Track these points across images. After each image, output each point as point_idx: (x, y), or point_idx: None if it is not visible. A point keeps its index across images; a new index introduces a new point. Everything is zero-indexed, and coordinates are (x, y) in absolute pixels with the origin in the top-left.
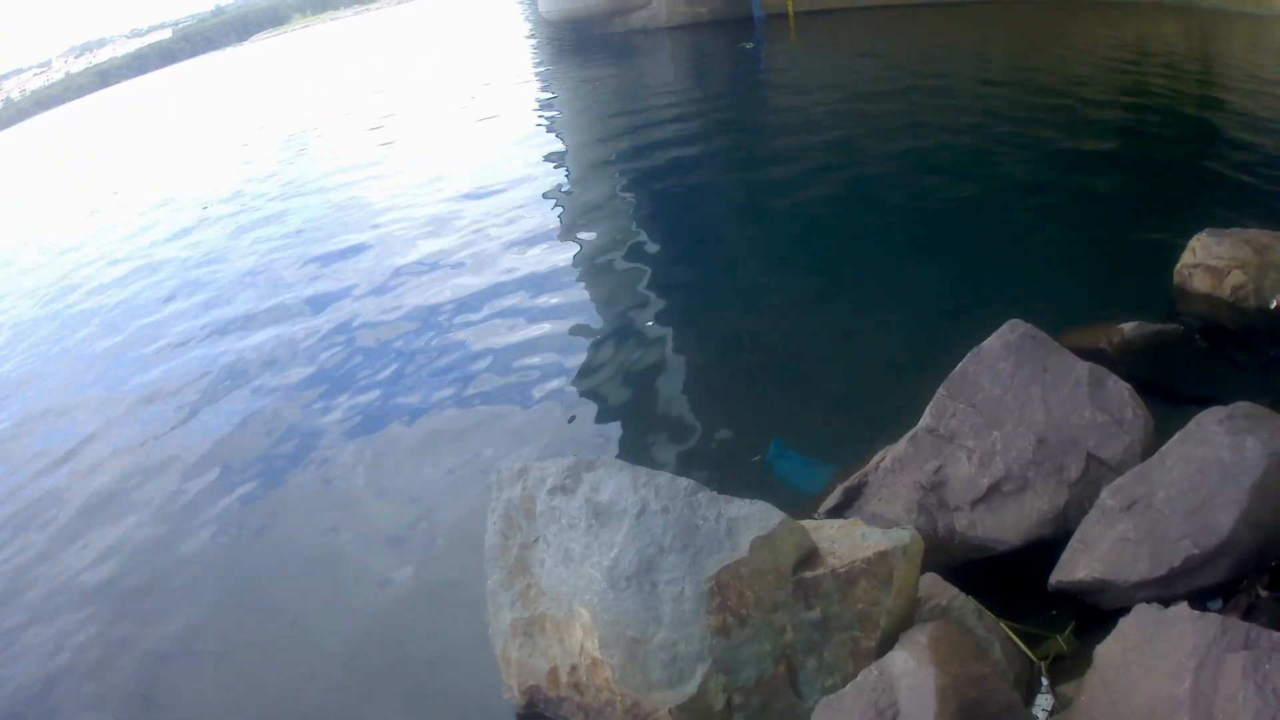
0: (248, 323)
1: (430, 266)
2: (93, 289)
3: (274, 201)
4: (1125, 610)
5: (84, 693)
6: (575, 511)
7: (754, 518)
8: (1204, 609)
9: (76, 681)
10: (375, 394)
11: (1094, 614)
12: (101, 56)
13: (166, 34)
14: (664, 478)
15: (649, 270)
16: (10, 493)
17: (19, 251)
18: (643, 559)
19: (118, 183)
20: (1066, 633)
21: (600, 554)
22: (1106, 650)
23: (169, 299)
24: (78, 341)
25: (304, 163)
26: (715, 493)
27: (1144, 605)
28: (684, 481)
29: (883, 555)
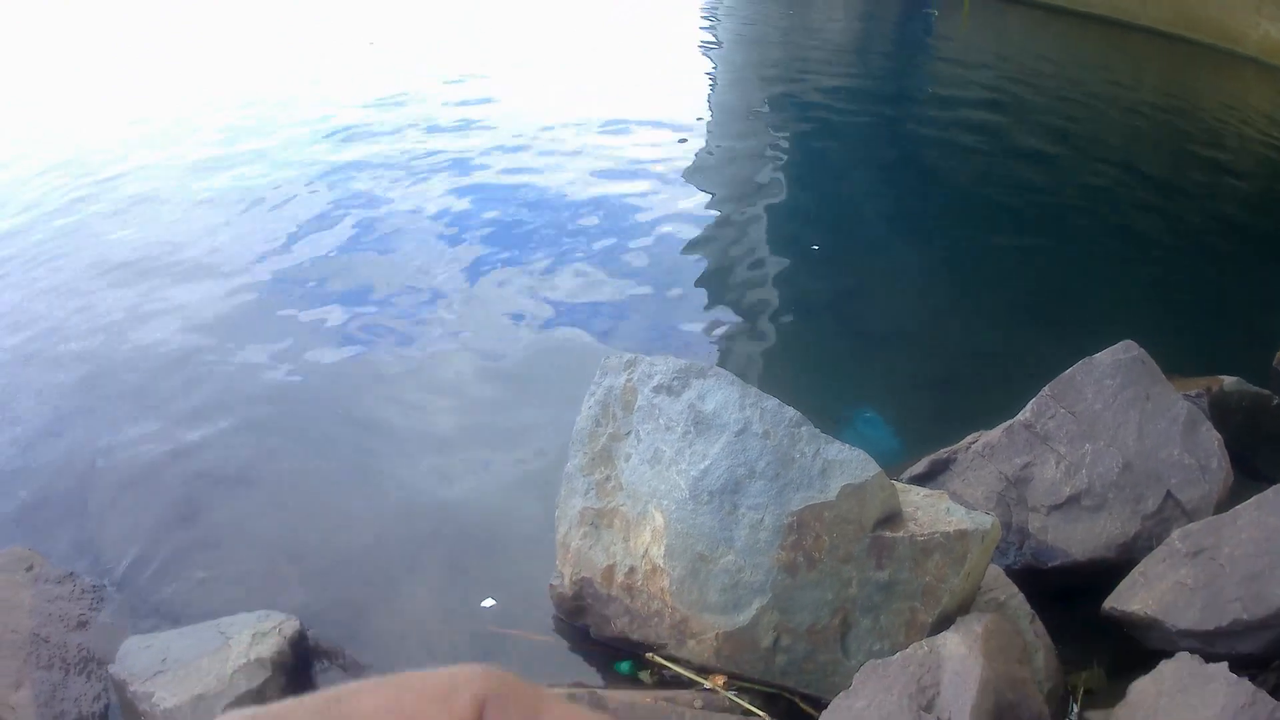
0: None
1: (558, 165)
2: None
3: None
4: (1165, 654)
5: (124, 499)
6: (675, 414)
7: (850, 464)
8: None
9: (119, 485)
10: (489, 256)
11: (1131, 651)
12: None
13: None
14: (772, 402)
15: (775, 213)
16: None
17: None
18: (731, 478)
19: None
20: (1095, 669)
21: (690, 462)
22: (1141, 688)
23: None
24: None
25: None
26: (818, 430)
27: (1186, 654)
28: (790, 411)
29: (962, 534)
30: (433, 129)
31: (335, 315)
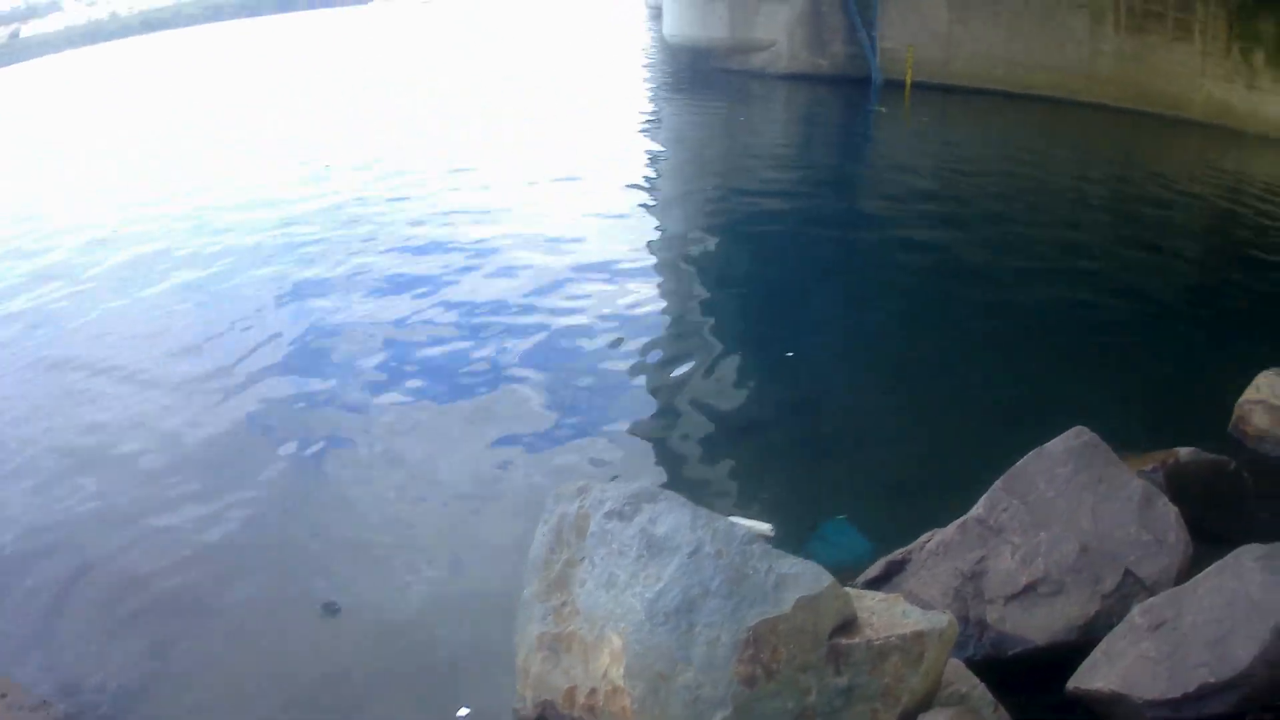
0: (323, 296)
1: (504, 277)
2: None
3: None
4: None
5: (95, 627)
6: (628, 539)
7: (803, 577)
8: None
9: (90, 612)
10: (441, 386)
11: None
12: None
13: None
14: (723, 523)
15: (724, 320)
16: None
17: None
18: (686, 598)
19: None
20: None
21: (645, 585)
22: None
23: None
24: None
25: (400, 155)
26: (770, 546)
27: None
28: (741, 529)
29: (918, 635)
30: (378, 247)
31: (289, 444)
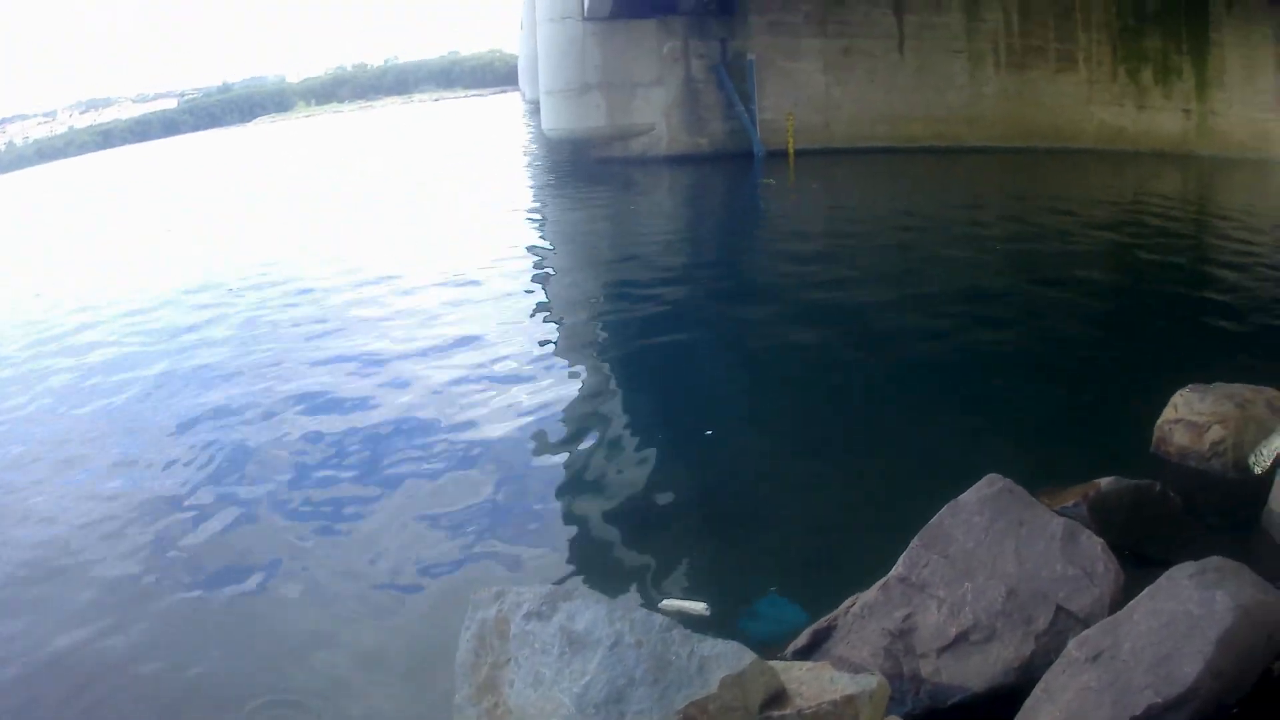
0: (236, 414)
1: (403, 388)
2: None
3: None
4: None
5: None
6: (549, 637)
7: (726, 656)
8: None
9: None
10: (347, 502)
11: None
12: (106, 117)
13: (172, 104)
14: (640, 613)
15: (635, 409)
16: None
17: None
18: (613, 689)
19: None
20: None
21: (571, 680)
22: None
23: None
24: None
25: (293, 262)
26: (689, 631)
27: None
28: (659, 618)
29: (849, 699)
30: (280, 366)
31: (197, 568)
